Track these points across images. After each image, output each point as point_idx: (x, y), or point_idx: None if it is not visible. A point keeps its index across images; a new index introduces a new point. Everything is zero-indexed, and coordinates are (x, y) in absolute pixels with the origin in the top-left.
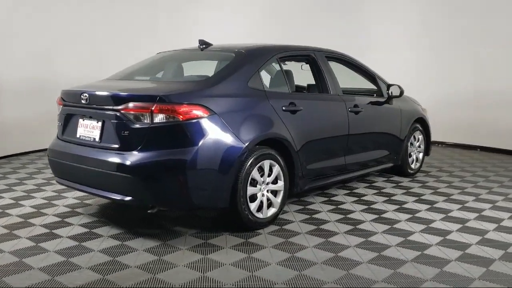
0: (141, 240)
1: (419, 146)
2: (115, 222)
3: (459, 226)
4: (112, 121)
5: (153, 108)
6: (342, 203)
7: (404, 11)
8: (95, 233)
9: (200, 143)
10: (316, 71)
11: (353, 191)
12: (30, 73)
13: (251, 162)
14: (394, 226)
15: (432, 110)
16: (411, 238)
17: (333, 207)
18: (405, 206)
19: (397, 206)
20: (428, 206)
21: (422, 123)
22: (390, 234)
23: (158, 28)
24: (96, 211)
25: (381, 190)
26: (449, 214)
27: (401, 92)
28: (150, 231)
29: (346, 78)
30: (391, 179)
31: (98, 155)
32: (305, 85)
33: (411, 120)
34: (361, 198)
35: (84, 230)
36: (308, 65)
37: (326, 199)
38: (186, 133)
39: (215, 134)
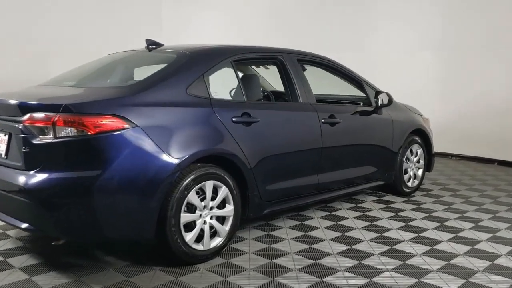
0: (54, 275)
1: (417, 161)
2: (36, 250)
3: (443, 263)
4: (16, 134)
5: (55, 120)
6: (314, 228)
7: (420, 7)
8: (8, 263)
9: (115, 161)
10: (285, 77)
11: (333, 212)
12: None
13: (187, 184)
14: (362, 262)
15: (448, 119)
16: (381, 277)
17: (301, 233)
18: (386, 234)
19: (376, 235)
20: (413, 235)
21: (421, 135)
22: (354, 273)
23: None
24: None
25: (366, 213)
26: (435, 247)
27: (389, 101)
28: (74, 261)
29: (332, 85)
30: (383, 198)
31: (1, 173)
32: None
33: (406, 132)
34: (338, 222)
35: None
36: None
37: (297, 223)
38: (97, 149)
39: (136, 151)
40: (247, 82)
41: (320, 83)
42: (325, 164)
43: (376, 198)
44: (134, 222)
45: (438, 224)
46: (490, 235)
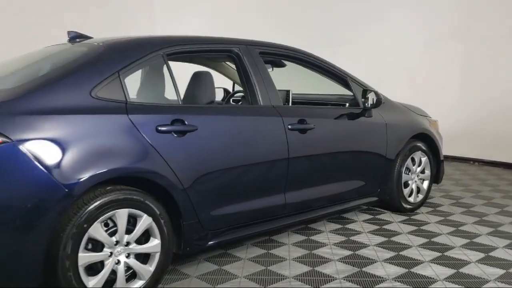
0: None
1: (422, 172)
2: None
3: None
4: None
5: None
6: (280, 259)
7: None
8: None
9: None
10: (242, 74)
11: (311, 237)
12: None
13: (89, 214)
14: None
15: (470, 119)
16: None
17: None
18: (367, 270)
19: (356, 270)
20: (402, 271)
21: (426, 140)
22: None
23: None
24: None
25: (350, 237)
26: (430, 287)
27: (378, 101)
28: None
29: (317, 84)
30: (378, 217)
31: None
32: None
33: (405, 137)
34: (313, 251)
35: None
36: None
37: (264, 251)
38: None
39: (10, 173)
40: (197, 81)
41: (301, 81)
42: (294, 180)
43: (369, 217)
44: (10, 266)
45: (437, 254)
46: (504, 271)
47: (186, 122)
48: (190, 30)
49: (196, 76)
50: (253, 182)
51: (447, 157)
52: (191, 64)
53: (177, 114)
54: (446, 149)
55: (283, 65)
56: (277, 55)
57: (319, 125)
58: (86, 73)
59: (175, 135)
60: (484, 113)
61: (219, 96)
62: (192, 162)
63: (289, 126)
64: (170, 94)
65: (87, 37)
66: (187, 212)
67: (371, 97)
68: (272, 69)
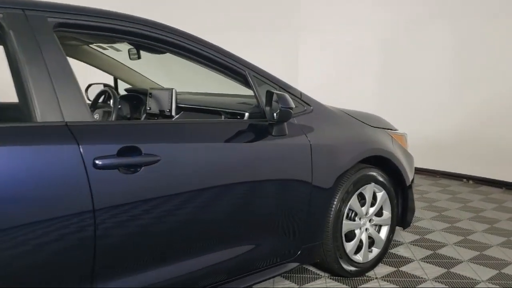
0: None
1: (378, 214)
2: None
3: None
4: None
5: None
6: None
7: None
8: None
9: None
10: (12, 68)
11: None
12: None
13: None
14: None
15: (464, 125)
16: None
17: None
18: None
19: None
20: None
21: (384, 166)
22: None
23: None
24: None
25: None
26: None
27: (283, 113)
28: None
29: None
30: (305, 287)
31: None
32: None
33: (347, 164)
34: None
35: None
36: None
37: None
38: None
39: None
40: None
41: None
42: (107, 261)
43: (295, 287)
44: None
45: None
46: None
47: None
48: None
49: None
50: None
51: (434, 173)
52: None
53: None
54: (432, 163)
55: (160, 51)
56: (100, 29)
57: (173, 154)
58: None
59: None
60: (484, 116)
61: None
62: None
63: (97, 162)
64: None
65: None
66: None
67: (280, 102)
68: (139, 57)
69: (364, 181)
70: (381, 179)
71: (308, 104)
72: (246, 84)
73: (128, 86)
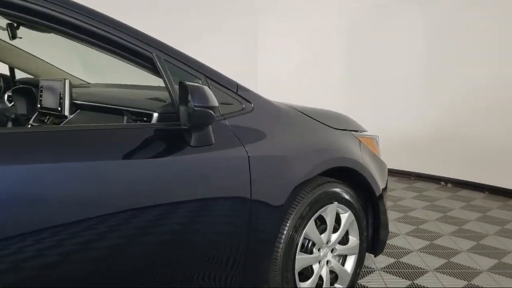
0: None
1: (342, 242)
2: None
3: None
4: None
5: None
6: None
7: None
8: None
9: None
10: None
11: None
12: None
13: None
14: None
15: (440, 124)
16: None
17: None
18: None
19: None
20: None
21: (349, 179)
22: None
23: None
24: None
25: None
26: None
27: (204, 114)
28: None
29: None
30: None
31: None
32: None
33: (300, 181)
34: None
35: None
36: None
37: None
38: None
39: None
40: None
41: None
42: None
43: None
44: None
45: None
46: None
47: None
48: None
49: None
50: None
51: (408, 174)
52: None
53: None
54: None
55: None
56: None
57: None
58: None
59: None
60: (465, 112)
61: None
62: None
63: None
64: None
65: None
66: None
67: (196, 99)
68: (12, 36)
69: (324, 201)
70: (346, 196)
71: (248, 101)
72: (155, 71)
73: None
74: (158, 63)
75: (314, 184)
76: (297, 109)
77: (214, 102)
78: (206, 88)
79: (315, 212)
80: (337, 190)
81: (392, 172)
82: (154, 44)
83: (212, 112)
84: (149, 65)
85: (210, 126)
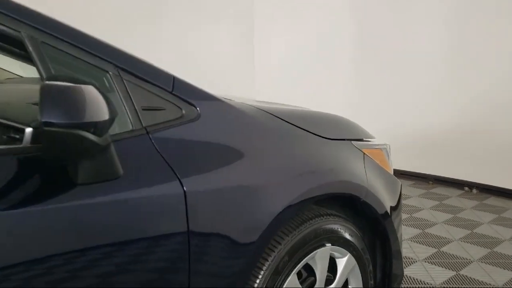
0: None
1: None
2: None
3: None
4: None
5: None
6: None
7: None
8: None
9: None
10: None
11: None
12: None
13: None
14: None
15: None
16: None
17: None
18: None
19: None
20: None
21: (350, 209)
22: None
23: None
24: None
25: None
26: None
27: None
28: None
29: None
30: None
31: None
32: None
33: (267, 219)
34: None
35: None
36: None
37: None
38: None
39: None
40: None
41: None
42: None
43: None
44: None
45: None
46: None
47: None
48: None
49: None
50: None
51: (425, 178)
52: None
53: None
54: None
55: None
56: None
57: None
58: None
59: None
60: (486, 106)
61: None
62: None
63: None
64: None
65: None
66: None
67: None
68: None
69: (311, 244)
70: (346, 235)
71: (191, 104)
72: (31, 60)
73: None
74: (30, 47)
75: (296, 222)
76: (275, 114)
77: (92, 114)
78: (83, 89)
79: (298, 262)
80: (333, 227)
81: (407, 175)
82: (25, 18)
83: (84, 133)
84: (21, 51)
85: (110, 150)
